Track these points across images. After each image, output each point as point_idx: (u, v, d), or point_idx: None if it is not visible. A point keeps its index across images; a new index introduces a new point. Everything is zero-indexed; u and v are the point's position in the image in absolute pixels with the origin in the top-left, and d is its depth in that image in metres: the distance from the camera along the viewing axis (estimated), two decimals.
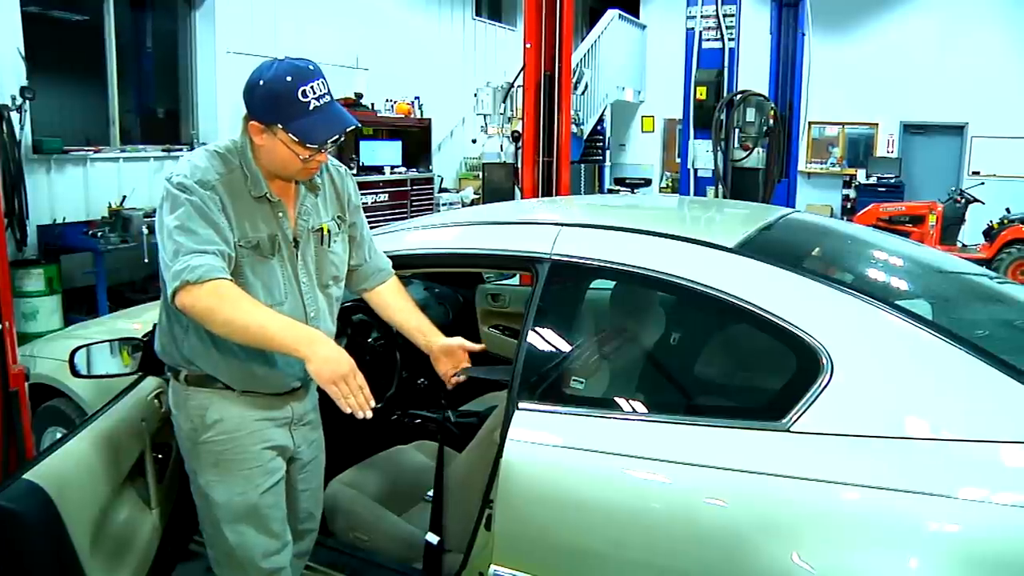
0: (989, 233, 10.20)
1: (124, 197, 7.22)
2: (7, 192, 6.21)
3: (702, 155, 7.40)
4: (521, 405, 2.10)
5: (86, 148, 7.41)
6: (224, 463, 2.12)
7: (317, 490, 2.41)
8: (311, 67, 2.00)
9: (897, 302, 2.03)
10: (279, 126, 1.96)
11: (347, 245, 2.29)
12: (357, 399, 1.93)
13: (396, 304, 2.39)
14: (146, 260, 6.58)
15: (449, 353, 2.35)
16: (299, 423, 2.25)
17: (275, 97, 1.95)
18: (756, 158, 7.53)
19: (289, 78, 1.95)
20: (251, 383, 2.11)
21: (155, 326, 2.32)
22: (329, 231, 2.20)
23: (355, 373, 1.94)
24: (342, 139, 2.09)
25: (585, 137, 12.23)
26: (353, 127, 2.06)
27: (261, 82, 1.96)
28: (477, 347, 2.38)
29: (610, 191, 13.89)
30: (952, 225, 10.44)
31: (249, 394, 2.12)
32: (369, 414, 1.94)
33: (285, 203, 2.11)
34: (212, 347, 2.08)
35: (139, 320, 3.39)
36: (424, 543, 2.38)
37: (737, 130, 7.43)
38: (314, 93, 1.96)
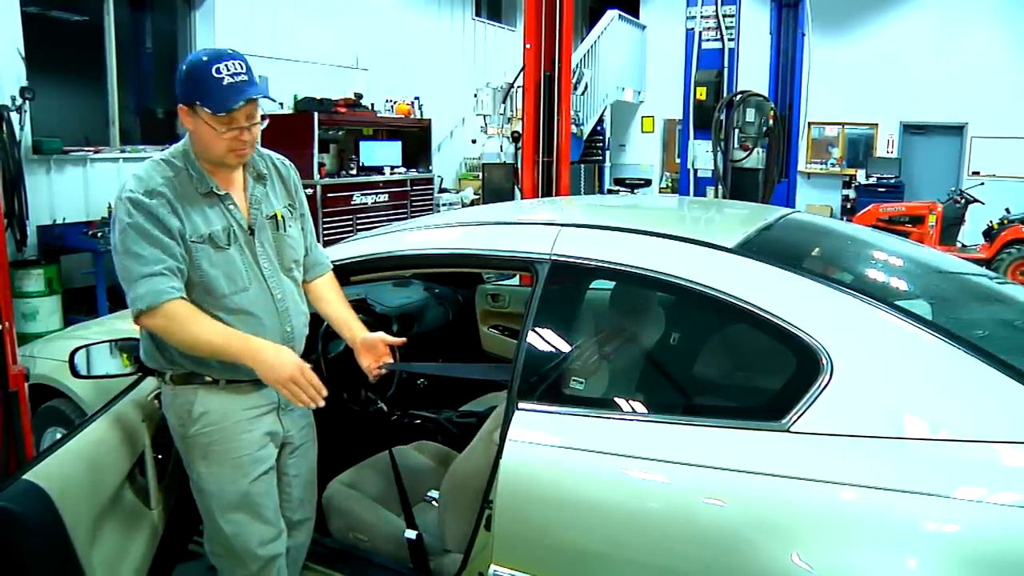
0: (989, 233, 10.20)
1: None
2: (7, 192, 6.21)
3: (702, 155, 7.40)
4: (521, 405, 2.10)
5: (86, 148, 7.42)
6: (213, 454, 2.19)
7: (309, 477, 2.46)
8: (230, 51, 2.14)
9: (897, 302, 2.03)
10: (198, 103, 2.09)
11: (301, 231, 2.40)
12: (308, 394, 2.09)
13: (329, 297, 2.47)
14: None
15: (371, 347, 2.39)
16: (286, 408, 2.31)
17: (193, 77, 2.09)
18: (756, 158, 7.53)
19: (205, 58, 2.10)
20: (234, 373, 2.18)
21: None
22: (283, 217, 2.31)
23: (301, 371, 2.09)
24: (267, 121, 2.22)
25: (585, 137, 12.23)
26: (262, 96, 2.16)
27: (184, 67, 2.12)
28: (398, 341, 2.42)
29: (610, 191, 13.89)
30: (952, 225, 10.44)
31: (233, 384, 2.19)
32: (321, 403, 2.12)
33: (233, 195, 2.22)
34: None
35: None
36: (419, 542, 2.40)
37: (737, 130, 7.43)
38: (228, 71, 2.08)
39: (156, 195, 2.07)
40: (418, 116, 11.15)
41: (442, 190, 12.01)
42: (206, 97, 2.07)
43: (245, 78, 2.10)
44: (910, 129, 13.70)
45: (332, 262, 2.53)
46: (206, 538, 2.30)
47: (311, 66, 9.73)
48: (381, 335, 2.40)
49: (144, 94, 8.90)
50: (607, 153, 14.23)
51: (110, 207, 6.96)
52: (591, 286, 2.59)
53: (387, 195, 10.20)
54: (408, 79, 11.28)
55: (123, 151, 7.76)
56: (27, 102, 6.52)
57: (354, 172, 9.88)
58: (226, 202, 2.19)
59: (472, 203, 11.33)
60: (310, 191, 2.45)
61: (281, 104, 8.66)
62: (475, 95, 10.65)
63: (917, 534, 1.67)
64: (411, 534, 2.40)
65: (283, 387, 2.07)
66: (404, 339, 2.44)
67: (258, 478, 2.22)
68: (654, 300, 2.56)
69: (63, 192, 7.09)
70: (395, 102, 10.90)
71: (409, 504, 2.49)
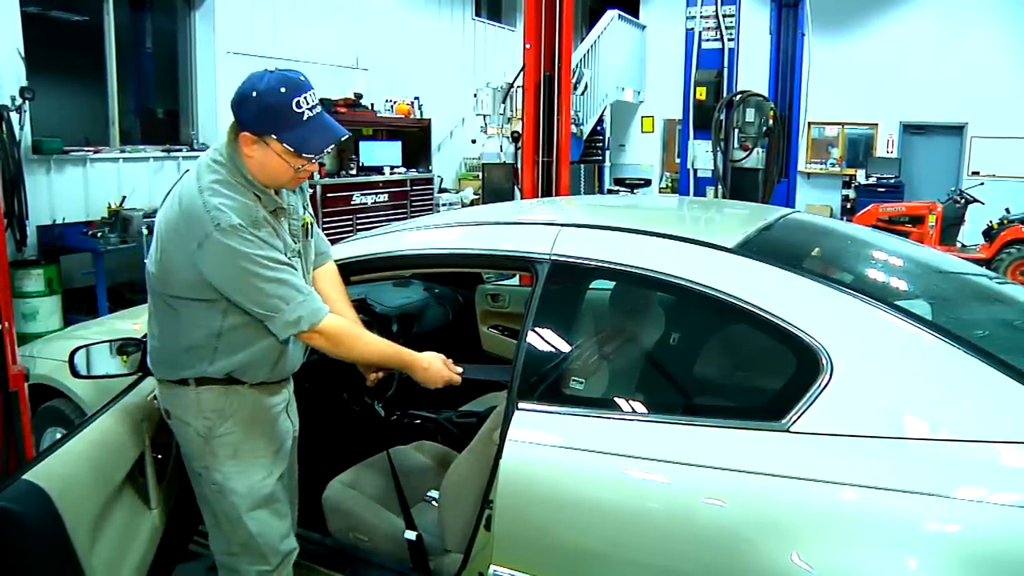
0: (989, 233, 10.20)
1: (124, 197, 7.22)
2: (7, 192, 6.20)
3: (702, 155, 7.40)
4: (521, 405, 2.10)
5: (86, 148, 7.41)
6: (243, 453, 2.19)
7: (295, 468, 2.48)
8: (302, 78, 2.05)
9: (897, 302, 2.03)
10: (273, 137, 2.01)
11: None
12: (458, 379, 2.32)
13: (332, 295, 2.38)
14: (145, 260, 6.57)
15: None
16: (291, 405, 2.37)
17: (269, 108, 1.99)
18: (756, 158, 7.53)
19: (283, 89, 1.99)
20: (266, 376, 2.21)
21: None
22: (311, 224, 2.31)
23: (444, 362, 2.30)
24: (331, 151, 2.16)
25: (585, 137, 12.23)
26: (345, 137, 2.14)
27: (254, 93, 2.00)
28: None
29: (610, 191, 13.89)
30: (952, 225, 10.44)
31: (259, 384, 2.21)
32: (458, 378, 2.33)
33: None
34: (227, 361, 2.15)
35: (138, 320, 3.39)
36: (419, 542, 2.40)
37: (737, 130, 7.43)
38: (307, 104, 2.02)
39: (262, 225, 2.05)
40: (418, 116, 11.16)
41: (442, 190, 12.01)
42: (287, 133, 2.01)
43: (319, 109, 2.06)
44: (910, 129, 13.70)
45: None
46: (217, 538, 2.29)
47: (311, 66, 9.71)
48: None
49: (144, 94, 8.90)
50: (607, 153, 14.23)
51: (110, 207, 6.98)
52: (591, 286, 2.59)
53: (387, 195, 10.21)
54: (408, 79, 11.28)
55: (123, 151, 7.75)
56: (27, 102, 6.51)
57: (354, 172, 9.89)
58: (280, 216, 2.16)
59: (472, 203, 11.33)
60: (310, 191, 2.50)
61: None
62: (475, 95, 10.65)
63: (917, 534, 1.67)
64: (411, 535, 2.40)
65: (442, 383, 2.29)
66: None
67: (282, 474, 2.28)
68: (654, 300, 2.56)
69: (63, 192, 7.08)
70: (395, 102, 10.90)
71: (408, 505, 2.49)
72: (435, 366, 2.30)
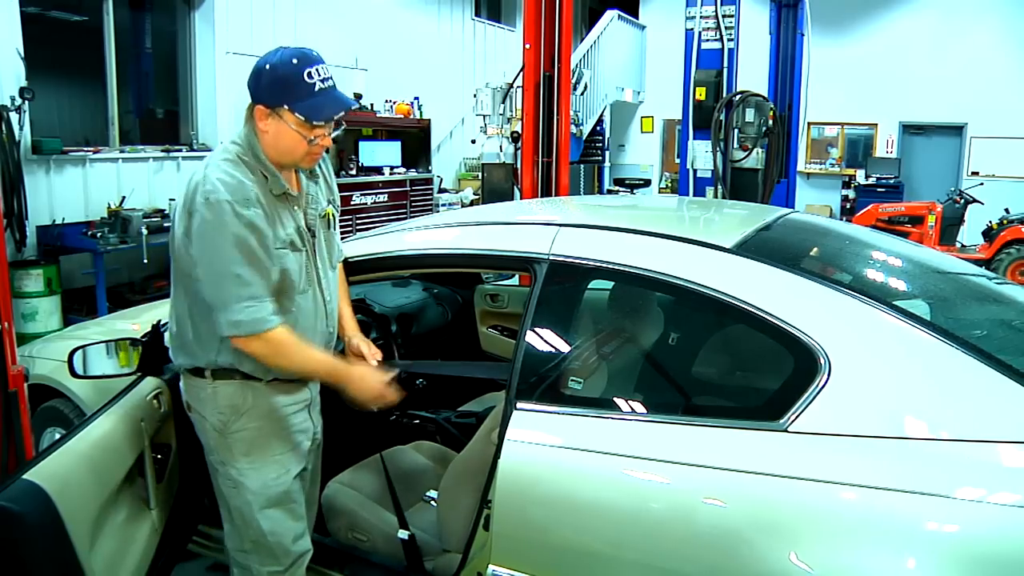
0: (988, 233, 10.20)
1: (123, 198, 7.22)
2: (6, 192, 6.20)
3: (701, 155, 7.41)
4: (519, 405, 2.10)
5: (85, 148, 7.41)
6: (258, 450, 2.19)
7: (317, 474, 2.48)
8: (314, 53, 2.09)
9: (895, 302, 2.03)
10: (286, 107, 2.04)
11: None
12: (392, 397, 2.24)
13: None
14: (145, 261, 6.60)
15: (358, 353, 2.39)
16: (314, 405, 2.34)
17: (282, 79, 2.03)
18: (755, 158, 7.54)
19: (295, 60, 2.04)
20: (274, 372, 2.18)
21: (154, 326, 2.34)
22: (333, 215, 2.30)
23: (381, 382, 2.21)
24: (344, 125, 2.19)
25: (584, 137, 12.23)
26: (355, 107, 2.12)
27: (267, 66, 2.05)
28: (376, 355, 2.39)
29: (609, 192, 13.89)
30: (951, 226, 10.44)
31: (274, 381, 2.20)
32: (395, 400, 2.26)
33: (298, 195, 2.19)
34: (230, 352, 2.13)
35: (138, 321, 3.39)
36: (411, 542, 2.41)
37: (736, 130, 7.44)
38: (319, 75, 2.06)
39: (253, 205, 2.02)
40: (418, 116, 11.16)
41: (442, 190, 12.01)
42: (297, 102, 2.03)
43: (332, 82, 2.09)
44: (910, 129, 13.71)
45: None
46: (231, 535, 2.29)
47: None
48: (364, 349, 2.38)
49: (144, 94, 8.90)
50: (607, 153, 14.23)
51: (110, 207, 6.97)
52: (590, 286, 2.59)
53: (387, 195, 10.21)
54: (408, 79, 11.28)
55: (123, 151, 7.75)
56: (26, 102, 6.51)
57: (354, 172, 9.89)
58: (294, 203, 2.16)
59: (472, 203, 11.33)
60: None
61: None
62: (475, 95, 10.64)
63: (916, 534, 1.67)
64: (403, 534, 2.40)
65: (376, 402, 2.22)
66: (380, 355, 2.42)
67: (299, 474, 2.26)
68: (652, 300, 2.56)
69: (63, 192, 7.08)
70: (395, 102, 10.90)
71: (400, 504, 2.49)
72: (370, 384, 2.22)
